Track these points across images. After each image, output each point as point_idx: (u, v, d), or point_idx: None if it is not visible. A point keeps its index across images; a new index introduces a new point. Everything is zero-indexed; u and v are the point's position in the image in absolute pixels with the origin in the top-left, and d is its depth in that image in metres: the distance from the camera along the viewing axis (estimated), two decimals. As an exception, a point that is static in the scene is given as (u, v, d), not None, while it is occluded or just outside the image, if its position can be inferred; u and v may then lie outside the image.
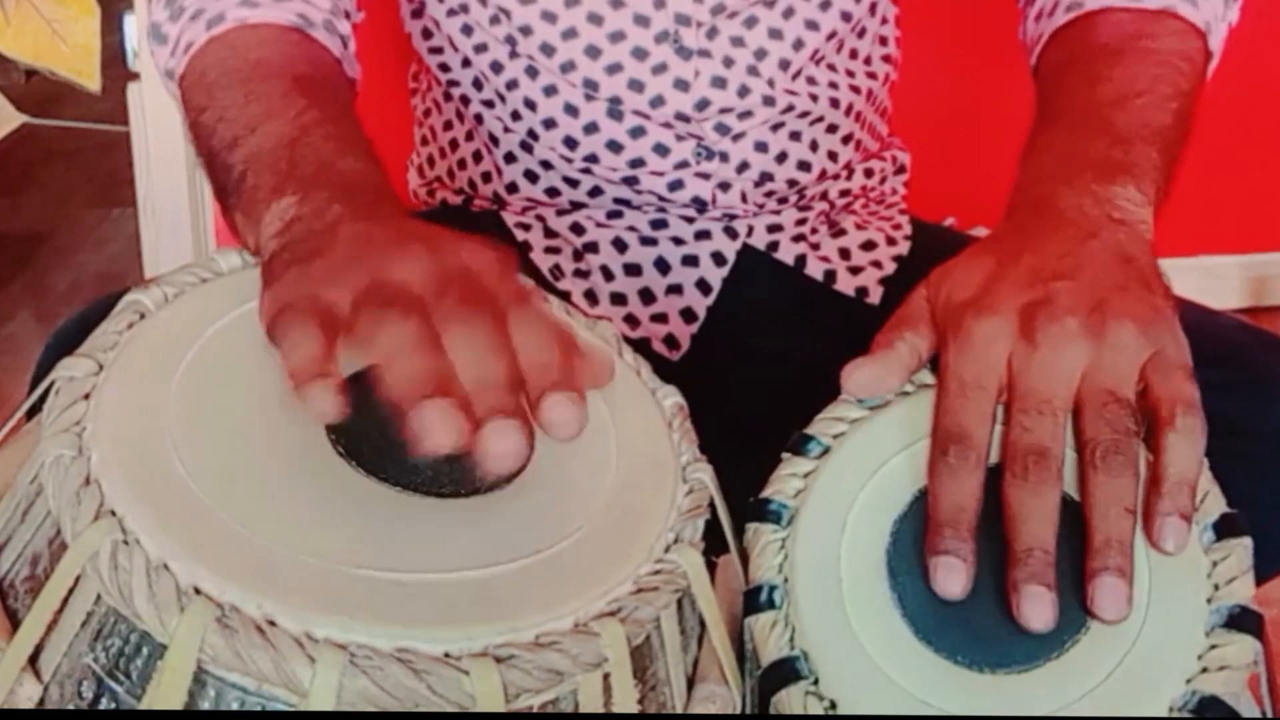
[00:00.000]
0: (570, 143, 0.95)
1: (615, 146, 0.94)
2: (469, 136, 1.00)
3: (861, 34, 1.00)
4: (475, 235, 0.61)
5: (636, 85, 0.93)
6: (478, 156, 1.00)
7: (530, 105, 0.95)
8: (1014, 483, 0.59)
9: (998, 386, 0.62)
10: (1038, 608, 0.58)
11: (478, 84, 0.97)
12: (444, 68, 0.99)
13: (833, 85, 0.97)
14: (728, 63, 0.93)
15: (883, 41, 1.02)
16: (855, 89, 0.98)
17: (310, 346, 0.53)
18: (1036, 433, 0.60)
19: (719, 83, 0.93)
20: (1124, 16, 0.83)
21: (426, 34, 1.00)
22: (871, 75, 1.00)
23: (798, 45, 0.95)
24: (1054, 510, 0.59)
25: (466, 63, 0.97)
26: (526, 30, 0.94)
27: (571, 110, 0.94)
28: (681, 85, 0.93)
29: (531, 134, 0.96)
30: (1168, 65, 0.80)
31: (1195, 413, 0.61)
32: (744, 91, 0.94)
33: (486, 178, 0.99)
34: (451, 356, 0.51)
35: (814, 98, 0.96)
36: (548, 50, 0.93)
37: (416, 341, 0.51)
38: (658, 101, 0.93)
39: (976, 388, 0.61)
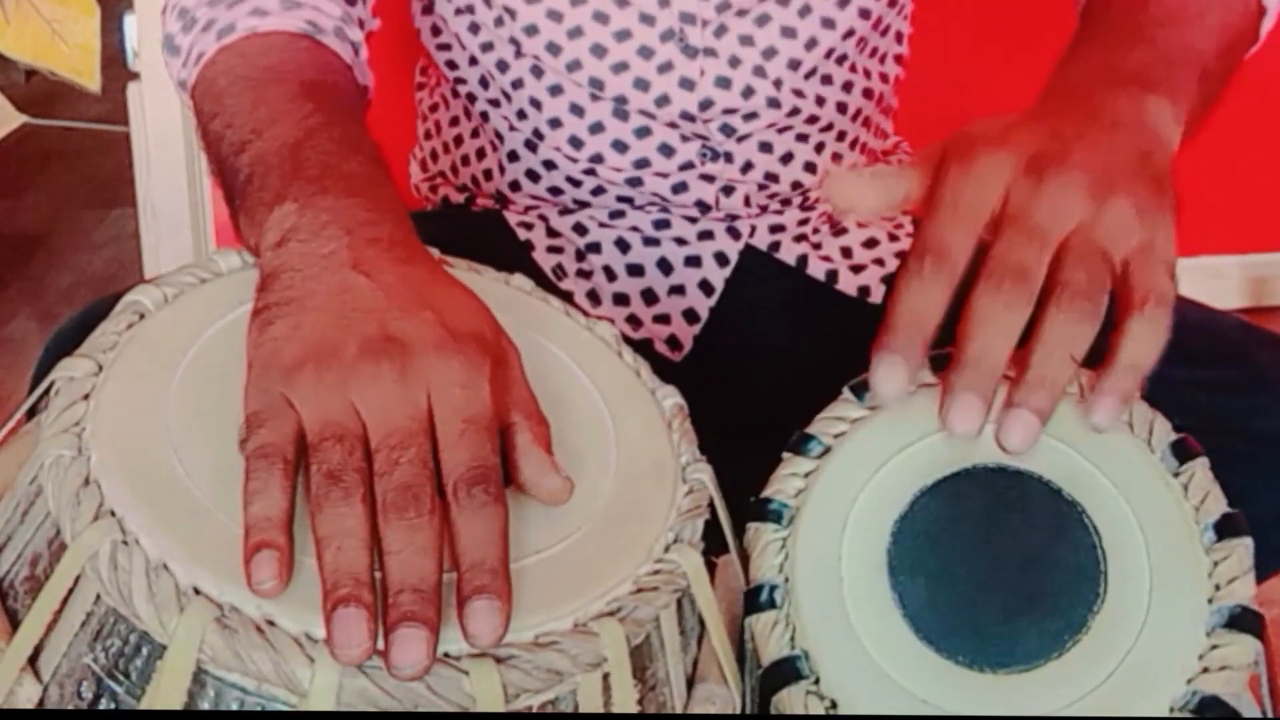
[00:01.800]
0: (575, 142, 0.95)
1: (620, 146, 0.94)
2: (474, 133, 1.00)
3: (884, 31, 1.00)
4: (460, 292, 0.61)
5: (642, 84, 0.93)
6: (481, 154, 1.00)
7: (536, 104, 0.95)
8: (987, 292, 0.58)
9: (990, 217, 0.60)
10: (968, 414, 0.58)
11: (484, 82, 0.97)
12: (451, 64, 0.99)
13: (845, 88, 0.97)
14: (734, 62, 0.93)
15: (899, 39, 1.02)
16: (866, 92, 0.98)
17: (269, 505, 0.53)
18: (1021, 253, 0.59)
19: (723, 83, 0.93)
20: None
21: (435, 30, 1.00)
22: (884, 76, 1.00)
23: (811, 44, 0.94)
24: (1016, 331, 0.58)
25: (473, 60, 0.97)
26: (532, 30, 0.94)
27: (577, 110, 0.94)
28: (687, 84, 0.93)
29: (537, 133, 0.96)
30: (1219, 2, 0.79)
31: (1166, 306, 0.59)
32: (748, 92, 0.93)
33: (489, 175, 0.99)
34: (384, 547, 0.52)
35: (820, 101, 0.95)
36: (553, 49, 0.93)
37: (350, 534, 0.52)
38: (663, 100, 0.93)
39: (969, 210, 0.60)
